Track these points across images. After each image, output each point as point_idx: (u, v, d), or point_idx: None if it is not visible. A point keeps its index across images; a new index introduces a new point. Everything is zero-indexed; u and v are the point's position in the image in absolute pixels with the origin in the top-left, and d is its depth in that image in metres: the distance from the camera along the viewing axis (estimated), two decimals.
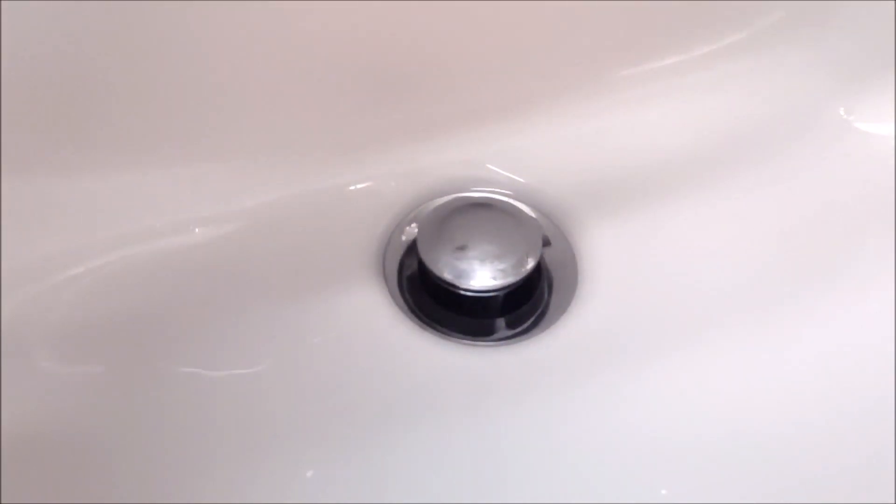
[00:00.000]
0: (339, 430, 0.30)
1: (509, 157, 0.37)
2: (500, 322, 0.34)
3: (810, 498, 0.28)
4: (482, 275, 0.33)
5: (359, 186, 0.36)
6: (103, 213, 0.33)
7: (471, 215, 0.34)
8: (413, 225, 0.35)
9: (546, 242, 0.35)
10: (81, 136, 0.31)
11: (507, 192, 0.36)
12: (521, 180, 0.37)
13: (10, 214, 0.30)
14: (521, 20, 0.35)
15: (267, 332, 0.32)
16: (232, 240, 0.34)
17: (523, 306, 0.34)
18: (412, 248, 0.35)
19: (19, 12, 0.28)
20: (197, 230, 0.34)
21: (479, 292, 0.33)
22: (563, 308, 0.34)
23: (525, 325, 0.34)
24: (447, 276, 0.33)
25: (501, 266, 0.33)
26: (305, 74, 0.34)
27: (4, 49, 0.28)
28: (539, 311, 0.34)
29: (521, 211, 0.35)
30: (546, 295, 0.34)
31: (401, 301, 0.34)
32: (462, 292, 0.33)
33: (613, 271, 0.34)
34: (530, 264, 0.33)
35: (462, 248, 0.33)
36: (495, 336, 0.33)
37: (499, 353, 0.32)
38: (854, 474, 0.29)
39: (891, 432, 0.29)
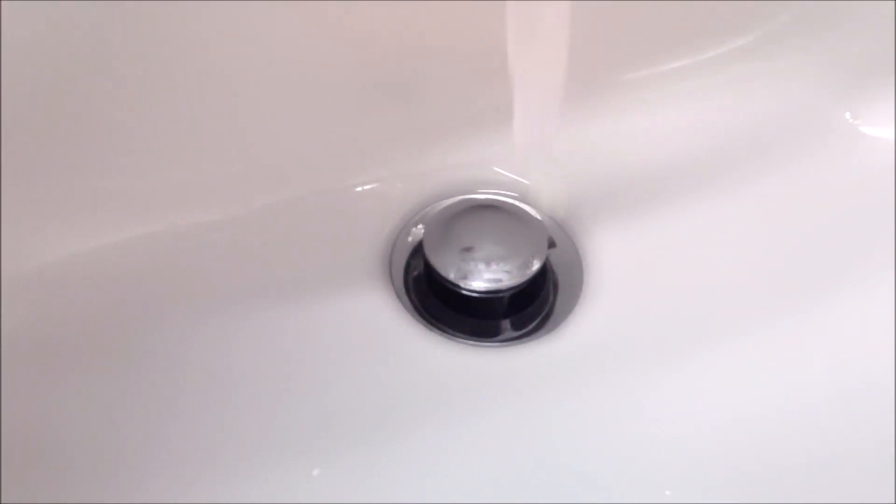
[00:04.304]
0: (346, 429, 0.30)
1: (515, 160, 0.37)
2: (506, 323, 0.34)
3: (814, 500, 0.28)
4: (488, 276, 0.33)
5: (365, 188, 0.36)
6: (108, 215, 0.33)
7: (477, 217, 0.34)
8: (419, 226, 0.35)
9: (551, 244, 0.35)
10: (85, 138, 0.31)
11: (513, 194, 0.36)
12: (527, 182, 0.37)
13: (11, 215, 0.31)
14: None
15: (273, 333, 0.32)
16: (239, 241, 0.34)
17: (528, 308, 0.34)
18: (418, 250, 0.35)
19: (21, 12, 0.28)
20: (203, 232, 0.34)
21: (485, 293, 0.33)
22: (569, 310, 0.34)
23: (530, 327, 0.34)
24: (453, 277, 0.33)
25: (507, 267, 0.33)
26: (312, 76, 0.34)
27: (5, 50, 0.28)
28: (544, 313, 0.34)
29: (526, 213, 0.35)
30: (551, 297, 0.34)
31: (407, 302, 0.34)
32: (468, 293, 0.33)
33: (618, 274, 0.34)
34: (536, 266, 0.33)
35: (468, 250, 0.33)
36: (501, 337, 0.33)
37: (504, 354, 0.33)
38: (859, 477, 0.29)
39: None
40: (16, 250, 0.31)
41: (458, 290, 0.33)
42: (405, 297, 0.34)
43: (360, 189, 0.36)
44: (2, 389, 0.28)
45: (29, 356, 0.30)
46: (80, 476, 0.28)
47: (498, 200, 0.36)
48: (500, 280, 0.33)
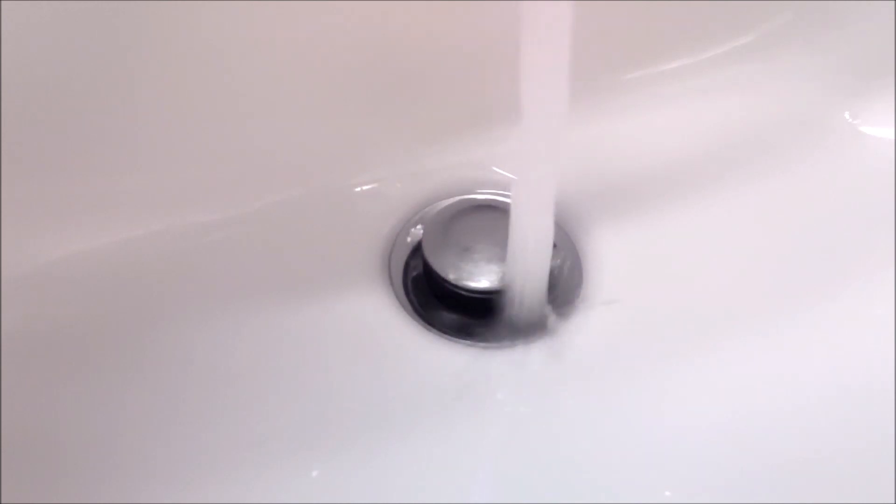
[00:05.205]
0: (345, 429, 0.30)
1: (515, 160, 0.37)
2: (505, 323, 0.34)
3: (814, 500, 0.28)
4: (487, 276, 0.33)
5: (365, 188, 0.36)
6: (108, 215, 0.33)
7: (476, 217, 0.34)
8: (419, 226, 0.35)
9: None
10: (85, 138, 0.31)
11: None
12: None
13: (11, 215, 0.31)
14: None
15: (272, 333, 0.32)
16: (238, 241, 0.34)
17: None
18: (418, 250, 0.35)
19: (20, 11, 0.28)
20: (203, 232, 0.34)
21: (484, 294, 0.33)
22: (568, 311, 0.34)
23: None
24: (452, 277, 0.33)
25: (506, 268, 0.33)
26: (311, 75, 0.34)
27: (5, 49, 0.28)
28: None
29: None
30: (551, 297, 0.34)
31: (406, 302, 0.34)
32: (467, 294, 0.33)
33: (618, 274, 0.34)
34: None
35: (467, 250, 0.33)
36: (500, 338, 0.33)
37: (503, 354, 0.33)
38: (859, 477, 0.29)
39: None
40: (16, 250, 0.31)
41: (457, 290, 0.33)
42: (404, 298, 0.34)
43: (359, 189, 0.36)
44: (2, 389, 0.28)
45: (29, 356, 0.30)
46: (80, 476, 0.28)
47: (497, 201, 0.36)
48: (499, 280, 0.33)
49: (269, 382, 0.31)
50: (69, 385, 0.30)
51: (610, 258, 0.35)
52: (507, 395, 0.31)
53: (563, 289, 0.34)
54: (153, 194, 0.33)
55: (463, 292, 0.33)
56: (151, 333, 0.31)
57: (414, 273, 0.35)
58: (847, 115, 0.37)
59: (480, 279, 0.33)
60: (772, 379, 0.31)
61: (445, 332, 0.33)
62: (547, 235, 0.31)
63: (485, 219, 0.34)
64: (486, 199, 0.36)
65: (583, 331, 0.33)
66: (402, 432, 0.30)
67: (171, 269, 0.33)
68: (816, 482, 0.29)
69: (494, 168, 0.37)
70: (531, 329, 0.33)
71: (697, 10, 0.36)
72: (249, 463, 0.29)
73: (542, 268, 0.32)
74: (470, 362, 0.32)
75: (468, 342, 0.33)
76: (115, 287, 0.32)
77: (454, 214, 0.35)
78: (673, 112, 0.38)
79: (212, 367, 0.31)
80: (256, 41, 0.32)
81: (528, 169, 0.30)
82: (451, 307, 0.34)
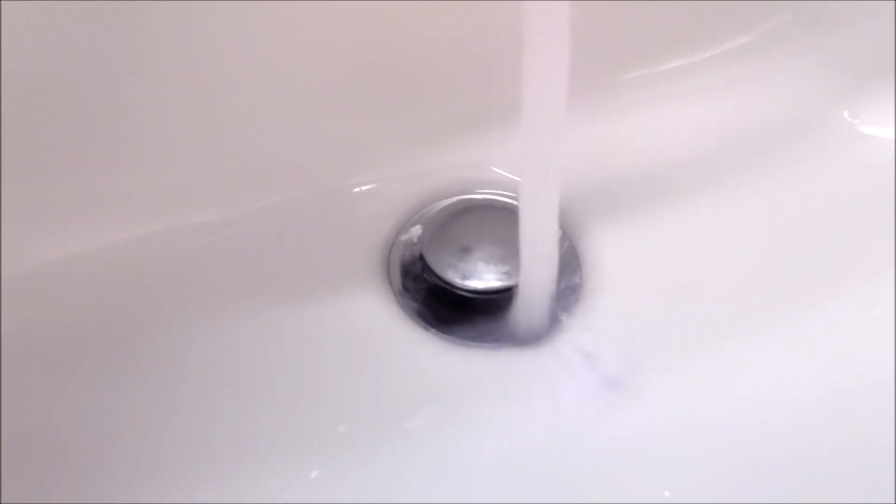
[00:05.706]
0: (344, 430, 0.30)
1: (514, 160, 0.37)
2: (504, 324, 0.34)
3: (814, 500, 0.28)
4: (486, 277, 0.33)
5: (363, 188, 0.36)
6: (108, 215, 0.33)
7: (475, 217, 0.34)
8: (417, 226, 0.35)
9: None
10: (85, 138, 0.31)
11: (511, 194, 0.36)
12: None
13: (11, 215, 0.31)
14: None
15: (271, 333, 0.32)
16: (237, 242, 0.34)
17: None
18: (417, 250, 0.35)
19: (20, 11, 0.28)
20: (202, 233, 0.34)
21: (483, 294, 0.33)
22: (567, 311, 0.34)
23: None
24: (451, 277, 0.33)
25: (505, 268, 0.33)
26: (311, 75, 0.34)
27: (5, 49, 0.28)
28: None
29: None
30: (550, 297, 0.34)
31: (404, 303, 0.34)
32: (465, 294, 0.33)
33: (617, 275, 0.34)
34: None
35: (466, 250, 0.33)
36: (499, 338, 0.33)
37: (503, 355, 0.33)
38: (860, 477, 0.29)
39: None
40: (16, 250, 0.31)
41: (455, 290, 0.33)
42: (403, 298, 0.34)
43: (358, 189, 0.36)
44: (2, 390, 0.28)
45: (29, 356, 0.30)
46: (80, 476, 0.28)
47: (496, 201, 0.36)
48: (498, 281, 0.33)
49: (268, 383, 0.31)
50: (69, 385, 0.30)
51: (609, 258, 0.35)
52: (506, 395, 0.31)
53: (563, 289, 0.34)
54: (153, 194, 0.33)
55: (462, 292, 0.33)
56: (151, 333, 0.31)
57: (413, 273, 0.35)
58: (847, 115, 0.37)
59: (480, 279, 0.33)
60: (771, 378, 0.31)
61: (444, 333, 0.33)
62: (553, 236, 0.31)
63: (484, 219, 0.34)
64: (485, 199, 0.36)
65: (582, 332, 0.33)
66: (402, 433, 0.30)
67: (171, 269, 0.33)
68: (817, 482, 0.29)
69: (494, 168, 0.37)
70: (532, 330, 0.33)
71: (697, 10, 0.36)
72: (249, 463, 0.29)
73: (547, 269, 0.32)
74: (469, 363, 0.32)
75: (467, 343, 0.33)
76: (115, 287, 0.32)
77: (453, 214, 0.35)
78: (673, 112, 0.38)
79: (211, 367, 0.31)
80: (256, 41, 0.32)
81: (530, 169, 0.30)
82: (451, 307, 0.34)
